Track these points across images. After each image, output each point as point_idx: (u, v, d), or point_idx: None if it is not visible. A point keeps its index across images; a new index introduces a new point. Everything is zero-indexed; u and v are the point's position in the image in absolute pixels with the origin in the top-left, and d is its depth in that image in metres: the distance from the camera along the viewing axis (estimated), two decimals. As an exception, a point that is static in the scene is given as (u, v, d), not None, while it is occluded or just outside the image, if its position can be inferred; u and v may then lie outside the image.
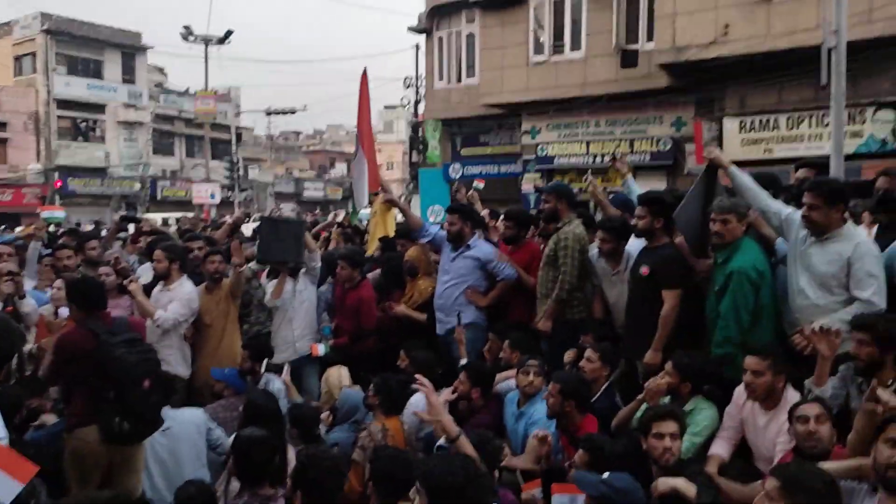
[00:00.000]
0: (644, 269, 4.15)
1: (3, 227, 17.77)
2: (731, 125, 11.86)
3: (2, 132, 30.37)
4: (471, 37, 16.53)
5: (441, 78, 17.41)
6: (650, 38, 12.74)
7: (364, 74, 6.72)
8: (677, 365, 3.57)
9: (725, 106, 12.12)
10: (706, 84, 12.16)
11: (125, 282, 5.05)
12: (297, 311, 5.63)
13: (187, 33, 28.14)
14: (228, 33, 28.98)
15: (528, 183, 15.47)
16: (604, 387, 4.03)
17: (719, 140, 11.89)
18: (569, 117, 14.71)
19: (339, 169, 56.15)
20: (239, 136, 37.18)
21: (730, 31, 10.82)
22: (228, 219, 10.26)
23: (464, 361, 4.54)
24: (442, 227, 5.60)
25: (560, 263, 4.71)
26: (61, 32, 31.51)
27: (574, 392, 3.65)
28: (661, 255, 4.12)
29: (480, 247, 5.33)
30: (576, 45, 14.23)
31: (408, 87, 26.40)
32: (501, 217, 5.75)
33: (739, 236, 3.76)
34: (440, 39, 17.27)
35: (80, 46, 32.47)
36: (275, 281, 5.65)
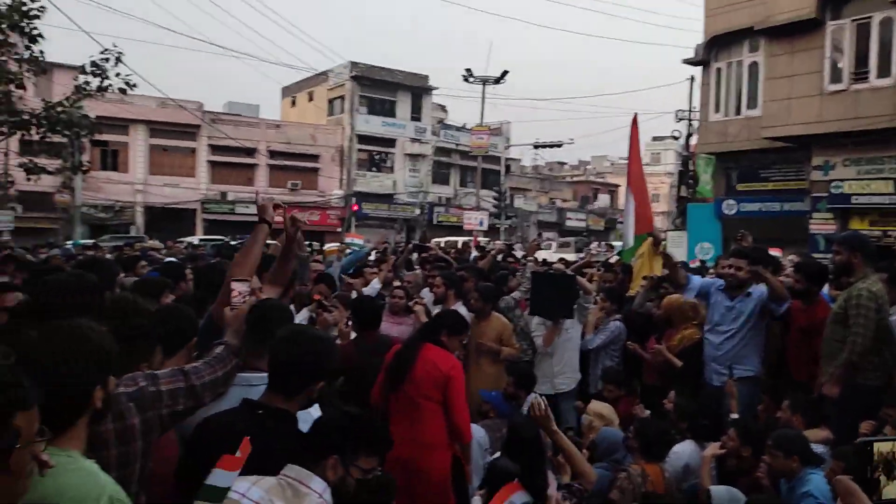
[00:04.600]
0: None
1: (312, 244, 20.90)
2: None
3: (315, 163, 35.98)
4: (753, 66, 15.48)
5: (717, 110, 16.53)
6: None
7: (635, 120, 6.83)
8: None
9: None
10: None
11: (411, 303, 5.68)
12: (560, 348, 5.71)
13: (468, 75, 30.50)
14: (504, 73, 30.76)
15: (818, 223, 13.90)
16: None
17: None
18: (872, 152, 12.97)
19: (602, 200, 55.82)
20: (507, 168, 39.17)
21: None
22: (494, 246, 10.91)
23: (734, 416, 4.28)
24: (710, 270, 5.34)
25: (851, 323, 4.21)
26: (365, 78, 36.41)
27: None
28: None
29: (758, 289, 4.98)
30: (884, 71, 12.55)
31: (679, 119, 25.46)
32: (792, 269, 5.29)
33: None
34: (718, 70, 16.44)
35: (379, 89, 37.18)
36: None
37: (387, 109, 37.74)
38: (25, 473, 1.30)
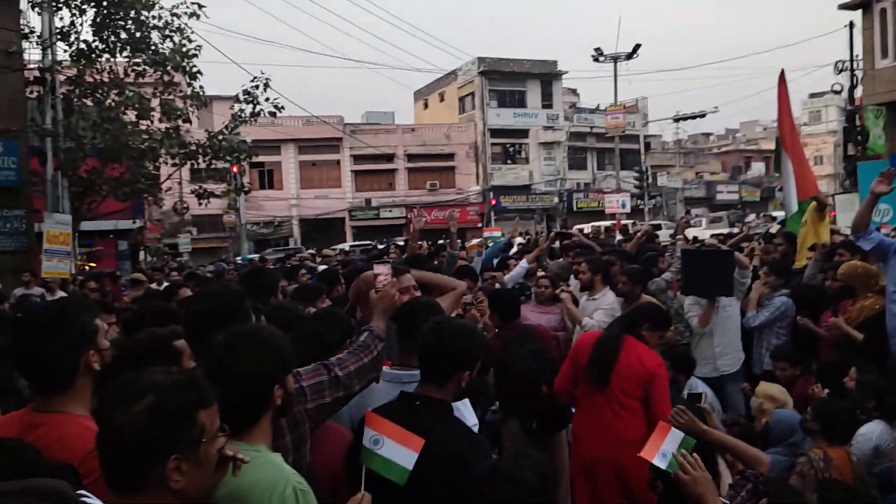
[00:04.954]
0: None
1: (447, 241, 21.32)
2: None
3: (451, 161, 36.67)
4: (928, -2, 13.68)
5: (885, 55, 14.83)
6: None
7: (782, 76, 6.24)
8: None
9: None
10: None
11: (558, 291, 5.63)
12: (719, 327, 5.40)
13: (598, 55, 29.60)
14: (637, 48, 29.53)
15: None
16: None
17: None
18: None
19: (756, 168, 51.97)
20: (647, 146, 37.62)
21: None
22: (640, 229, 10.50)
23: (929, 393, 3.81)
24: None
25: None
26: (493, 72, 36.53)
27: None
28: None
29: None
30: None
31: (840, 71, 23.02)
32: None
33: None
34: (883, 11, 14.71)
35: (508, 81, 37.15)
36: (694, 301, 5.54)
37: (517, 100, 37.61)
38: (213, 467, 1.43)
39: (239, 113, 13.81)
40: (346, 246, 25.84)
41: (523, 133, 37.59)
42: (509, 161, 37.56)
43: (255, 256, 21.97)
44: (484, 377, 4.54)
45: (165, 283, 9.15)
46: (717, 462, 3.16)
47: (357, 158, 35.01)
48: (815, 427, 3.66)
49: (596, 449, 3.43)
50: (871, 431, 3.69)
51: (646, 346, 3.53)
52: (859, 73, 19.21)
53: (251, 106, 13.60)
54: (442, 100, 40.91)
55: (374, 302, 2.53)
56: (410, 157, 35.83)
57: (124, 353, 2.16)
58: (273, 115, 13.96)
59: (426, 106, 43.09)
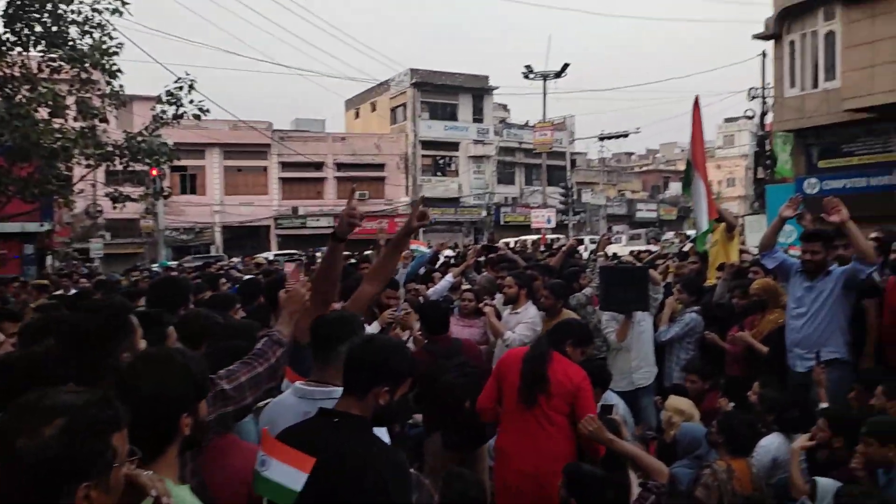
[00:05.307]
0: None
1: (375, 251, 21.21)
2: None
3: (381, 172, 36.57)
4: (830, 36, 14.68)
5: (793, 85, 15.77)
6: None
7: (696, 102, 6.55)
8: None
9: None
10: None
11: (481, 305, 5.69)
12: (635, 342, 5.57)
13: (528, 72, 30.28)
14: (565, 67, 30.40)
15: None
16: None
17: None
18: (967, 116, 12.06)
19: (674, 188, 54.23)
20: (573, 162, 38.65)
21: None
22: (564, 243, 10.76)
23: (823, 405, 4.07)
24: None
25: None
26: (426, 84, 36.75)
27: None
28: None
29: (839, 268, 4.72)
30: (977, 27, 11.64)
31: (753, 98, 24.45)
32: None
33: None
34: (792, 43, 15.68)
35: (440, 94, 37.44)
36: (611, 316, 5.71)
37: (448, 113, 37.95)
38: (120, 494, 1.33)
39: (160, 114, 13.33)
40: (269, 255, 25.29)
41: (454, 146, 37.95)
42: (439, 173, 37.81)
43: (174, 263, 21.19)
44: (406, 395, 4.52)
45: (73, 290, 8.70)
46: (627, 473, 3.27)
47: (285, 165, 34.40)
48: (719, 440, 3.82)
49: (523, 465, 3.42)
50: (770, 444, 3.89)
51: (569, 360, 3.58)
52: (770, 101, 20.43)
53: (174, 108, 13.16)
54: (374, 109, 40.80)
55: (283, 303, 2.41)
56: (340, 167, 35.50)
57: (24, 367, 1.99)
58: (197, 117, 13.51)
59: (357, 115, 42.87)
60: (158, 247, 28.97)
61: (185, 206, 31.86)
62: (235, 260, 20.83)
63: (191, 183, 32.99)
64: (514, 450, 3.43)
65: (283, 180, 34.58)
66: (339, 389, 2.30)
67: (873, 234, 5.31)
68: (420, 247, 16.08)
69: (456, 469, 3.22)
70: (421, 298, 6.15)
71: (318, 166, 34.68)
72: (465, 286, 6.56)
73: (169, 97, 12.99)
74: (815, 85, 15.14)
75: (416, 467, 4.00)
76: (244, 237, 32.36)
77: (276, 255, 25.61)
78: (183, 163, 26.18)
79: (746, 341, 5.24)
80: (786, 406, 4.17)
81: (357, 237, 3.71)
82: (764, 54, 22.28)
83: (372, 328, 4.79)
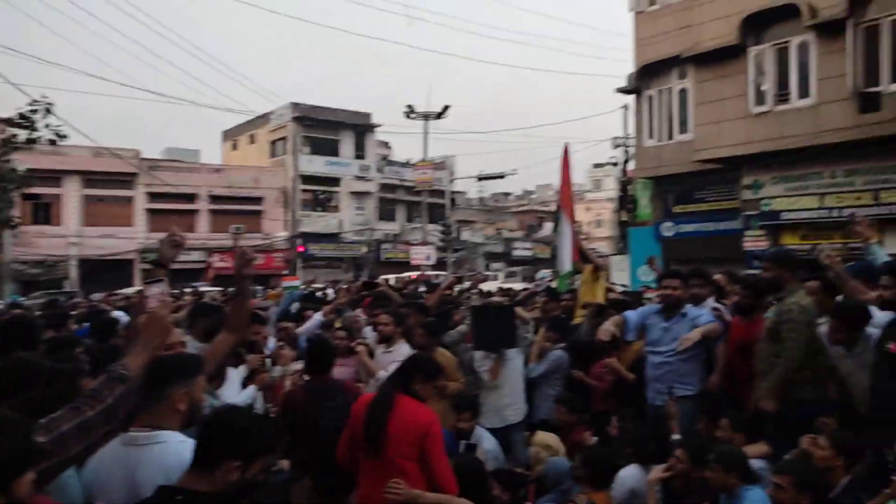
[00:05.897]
0: (893, 346, 3.66)
1: (262, 288, 20.50)
2: None
3: (259, 206, 35.51)
4: (683, 92, 16.11)
5: (651, 136, 17.09)
6: (895, 79, 11.42)
7: (566, 150, 6.91)
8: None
9: None
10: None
11: (353, 344, 5.57)
12: (506, 379, 5.64)
13: (410, 111, 30.78)
14: (445, 108, 31.17)
15: (751, 240, 14.40)
16: (844, 481, 3.54)
17: None
18: (798, 169, 13.57)
19: (548, 228, 56.73)
20: (453, 201, 39.43)
21: None
22: (443, 280, 10.87)
23: (675, 437, 4.30)
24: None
25: (784, 338, 4.30)
26: (307, 118, 36.38)
27: (812, 483, 3.25)
28: (914, 330, 3.61)
29: (693, 311, 5.07)
30: (804, 92, 13.20)
31: (616, 146, 26.22)
32: (738, 284, 5.37)
33: None
34: (650, 98, 17.04)
35: (321, 129, 37.17)
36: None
37: (330, 148, 37.71)
38: None
39: (11, 138, 12.27)
40: (132, 290, 23.65)
41: (335, 181, 37.66)
42: (319, 208, 37.29)
43: (22, 299, 19.29)
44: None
45: None
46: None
47: (154, 196, 32.55)
48: (582, 473, 3.93)
49: None
50: (628, 475, 4.04)
51: (419, 402, 3.37)
52: (631, 149, 21.98)
53: (27, 131, 12.16)
54: (252, 142, 39.77)
55: (140, 328, 2.16)
56: (215, 199, 34.10)
57: None
58: (53, 143, 12.56)
59: (235, 147, 41.60)
60: (3, 280, 26.33)
61: (36, 237, 29.23)
62: (97, 296, 19.27)
63: (44, 213, 30.39)
64: (371, 500, 3.29)
65: (151, 211, 32.66)
66: (167, 433, 2.14)
67: (716, 276, 5.75)
68: (293, 282, 15.68)
69: None
70: (290, 336, 5.94)
71: (190, 198, 33.14)
72: (337, 324, 6.43)
73: (22, 120, 12.00)
74: (671, 136, 16.50)
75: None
76: (105, 271, 30.08)
77: (139, 290, 23.98)
78: (36, 190, 24.09)
79: (615, 367, 5.48)
80: (643, 438, 4.36)
81: (228, 272, 3.53)
82: (626, 107, 24.04)
83: (239, 371, 4.55)
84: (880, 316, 4.01)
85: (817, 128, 12.73)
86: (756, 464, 3.74)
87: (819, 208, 13.33)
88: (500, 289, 13.78)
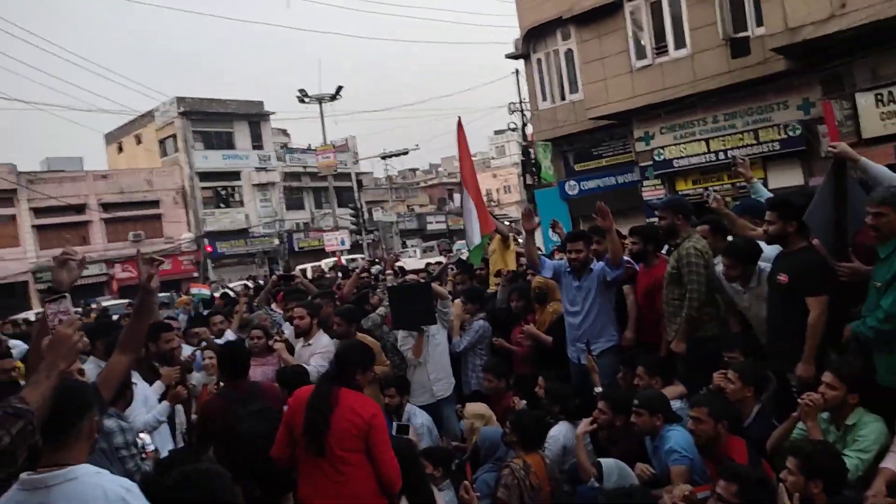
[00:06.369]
0: (783, 277, 3.90)
1: (171, 292, 19.62)
2: (865, 100, 10.93)
3: (156, 209, 33.82)
4: (569, 53, 16.45)
5: (545, 98, 17.40)
6: (760, 23, 12.10)
7: (459, 124, 6.83)
8: (842, 375, 3.27)
9: (856, 80, 11.22)
10: (829, 60, 11.36)
11: (271, 342, 5.45)
12: (432, 355, 5.70)
13: (303, 96, 30.01)
14: (339, 89, 30.59)
15: (649, 190, 15.03)
16: (755, 410, 3.79)
17: (854, 117, 10.98)
18: (683, 117, 14.19)
19: (458, 200, 57.15)
20: (360, 183, 38.97)
21: (848, 1, 10.05)
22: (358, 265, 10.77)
23: (598, 390, 4.47)
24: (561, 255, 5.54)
25: (685, 281, 4.53)
26: (195, 113, 34.77)
27: (725, 413, 3.47)
28: (800, 261, 3.86)
29: (597, 265, 5.25)
30: (680, 43, 13.76)
31: (513, 112, 26.60)
32: (627, 234, 5.60)
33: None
34: (539, 61, 17.31)
35: (213, 122, 35.66)
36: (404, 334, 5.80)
37: (225, 142, 36.29)
38: None
39: None
40: (31, 314, 22.11)
41: (235, 175, 36.35)
42: (222, 205, 35.94)
43: None
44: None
45: None
46: None
47: (39, 212, 30.38)
48: (513, 438, 4.01)
49: None
50: (558, 433, 4.18)
51: (359, 394, 3.38)
52: (528, 114, 22.35)
53: None
54: (139, 142, 37.72)
55: (44, 350, 1.96)
56: (106, 207, 32.20)
57: None
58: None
59: (121, 149, 39.31)
60: None
61: None
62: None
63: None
64: (316, 498, 3.25)
65: (39, 228, 30.52)
66: (78, 468, 1.99)
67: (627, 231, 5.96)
68: (202, 290, 15.17)
69: None
70: (203, 342, 5.74)
71: (80, 209, 31.16)
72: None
73: None
74: (563, 97, 16.87)
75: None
76: (-5, 297, 27.98)
77: (38, 313, 22.45)
78: None
79: (532, 333, 5.61)
80: (569, 396, 4.51)
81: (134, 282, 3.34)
82: (517, 72, 24.37)
83: (155, 388, 4.36)
84: (769, 250, 4.28)
85: (696, 76, 13.33)
86: (675, 404, 3.95)
87: (706, 153, 14.01)
88: (428, 265, 13.79)
